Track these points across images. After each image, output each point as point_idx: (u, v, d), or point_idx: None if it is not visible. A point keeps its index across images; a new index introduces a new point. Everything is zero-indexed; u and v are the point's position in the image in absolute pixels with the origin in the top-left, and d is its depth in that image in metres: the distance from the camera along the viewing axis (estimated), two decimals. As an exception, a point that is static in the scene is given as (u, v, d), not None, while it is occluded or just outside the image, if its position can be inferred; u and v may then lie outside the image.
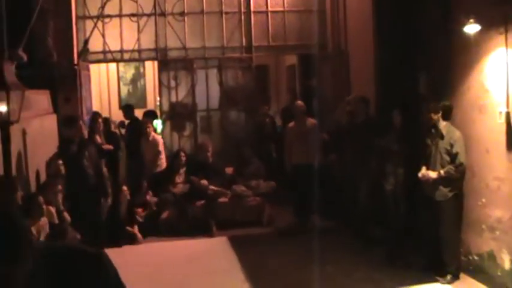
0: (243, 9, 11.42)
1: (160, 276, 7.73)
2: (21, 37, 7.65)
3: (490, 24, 6.83)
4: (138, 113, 12.27)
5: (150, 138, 10.76)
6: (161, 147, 10.88)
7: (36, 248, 2.14)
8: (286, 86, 14.69)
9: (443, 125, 7.32)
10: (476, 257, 7.38)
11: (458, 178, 7.30)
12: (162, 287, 7.59)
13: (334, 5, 11.39)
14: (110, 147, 10.32)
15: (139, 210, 9.97)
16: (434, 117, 7.37)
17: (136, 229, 9.66)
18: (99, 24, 10.74)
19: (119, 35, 10.98)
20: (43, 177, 8.31)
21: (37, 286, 2.14)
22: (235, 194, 10.46)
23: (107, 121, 11.47)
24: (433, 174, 7.32)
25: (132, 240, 9.43)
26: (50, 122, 9.40)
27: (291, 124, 9.76)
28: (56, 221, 7.27)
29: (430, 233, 7.59)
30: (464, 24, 7.03)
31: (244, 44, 11.46)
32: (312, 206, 9.45)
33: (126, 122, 11.99)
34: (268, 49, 11.72)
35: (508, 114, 6.63)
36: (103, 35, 10.85)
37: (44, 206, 6.70)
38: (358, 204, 9.32)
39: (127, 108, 11.98)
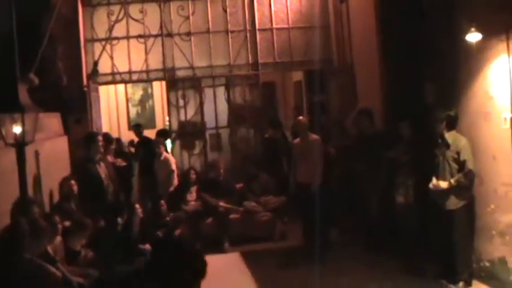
0: (248, 27, 11.56)
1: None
2: (33, 62, 7.81)
3: (491, 32, 6.94)
4: (148, 134, 12.44)
5: (162, 157, 10.90)
6: (174, 166, 11.01)
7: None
8: (293, 102, 14.80)
9: (448, 134, 7.39)
10: (487, 263, 7.43)
11: (468, 186, 7.35)
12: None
13: (338, 20, 11.53)
14: (124, 163, 10.50)
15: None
16: (439, 127, 7.45)
17: (148, 247, 9.74)
18: (107, 46, 10.91)
19: (126, 56, 11.14)
20: (56, 197, 8.41)
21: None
22: (246, 210, 10.54)
23: (118, 141, 11.65)
24: (443, 184, 7.35)
25: (145, 258, 9.50)
26: (62, 144, 9.51)
27: (296, 140, 9.71)
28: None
29: (442, 241, 7.63)
30: (466, 33, 7.14)
31: (250, 61, 11.59)
32: (319, 224, 9.42)
33: (136, 141, 12.16)
34: (274, 66, 11.83)
35: (512, 119, 6.73)
36: (111, 57, 11.01)
37: (60, 226, 6.79)
38: (370, 216, 9.39)
39: (137, 127, 12.18)
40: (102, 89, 12.00)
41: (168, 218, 10.31)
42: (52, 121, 9.29)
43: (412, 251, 8.32)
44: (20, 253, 5.37)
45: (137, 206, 9.80)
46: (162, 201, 10.48)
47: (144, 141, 11.89)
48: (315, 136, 9.47)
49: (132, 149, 11.87)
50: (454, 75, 7.93)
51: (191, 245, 2.79)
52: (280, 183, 11.09)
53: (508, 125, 6.79)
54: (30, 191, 7.09)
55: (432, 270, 7.80)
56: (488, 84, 7.20)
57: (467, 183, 7.31)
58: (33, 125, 6.30)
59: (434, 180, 7.51)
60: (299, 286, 8.09)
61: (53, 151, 8.78)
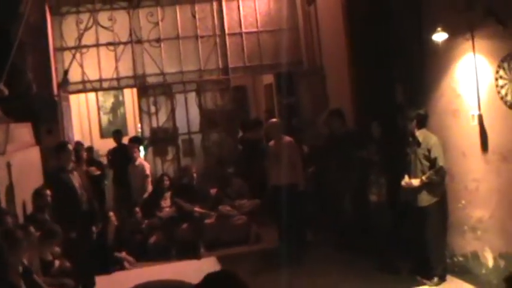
0: (217, 32, 11.59)
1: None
2: (1, 72, 7.75)
3: (457, 31, 7.06)
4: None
5: (137, 163, 10.90)
6: (148, 171, 11.01)
7: None
8: (264, 105, 14.85)
9: (419, 132, 7.49)
10: (460, 258, 7.55)
11: (439, 182, 7.47)
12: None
13: (306, 22, 11.60)
14: (98, 171, 10.48)
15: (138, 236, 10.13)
16: (410, 126, 7.55)
17: (124, 255, 9.75)
18: (77, 54, 10.87)
19: (97, 64, 11.09)
20: (29, 208, 8.35)
21: None
22: (220, 214, 10.57)
23: (90, 150, 11.61)
24: (415, 182, 7.45)
25: (121, 266, 9.50)
26: (33, 154, 9.45)
27: (271, 143, 9.63)
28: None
29: (415, 238, 7.73)
30: (433, 33, 7.26)
31: (220, 66, 11.62)
32: (295, 226, 9.46)
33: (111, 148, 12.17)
34: (244, 70, 11.89)
35: (480, 116, 6.85)
36: (81, 65, 10.97)
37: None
38: (342, 216, 9.48)
39: (117, 134, 12.18)
40: (73, 98, 11.95)
41: (143, 225, 10.32)
42: (23, 131, 9.23)
43: (386, 249, 8.41)
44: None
45: (111, 214, 9.83)
46: (137, 209, 10.48)
47: (120, 148, 11.85)
48: (288, 138, 9.43)
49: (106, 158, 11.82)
50: (422, 74, 8.05)
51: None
52: (255, 185, 11.15)
53: (475, 122, 6.92)
54: (3, 202, 7.05)
55: (406, 267, 7.90)
56: (456, 83, 7.33)
57: (439, 180, 7.42)
58: (4, 136, 6.29)
59: (406, 178, 7.60)
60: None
61: (25, 162, 8.73)
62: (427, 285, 7.44)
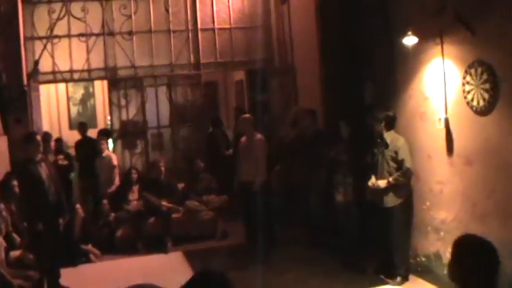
0: (190, 27, 11.57)
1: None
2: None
3: (427, 35, 7.18)
4: (90, 133, 12.36)
5: (104, 154, 10.86)
6: (115, 162, 10.99)
7: None
8: (235, 102, 14.89)
9: (387, 134, 7.57)
10: (423, 258, 7.68)
11: (406, 184, 7.58)
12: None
13: (279, 21, 11.66)
14: (65, 161, 10.45)
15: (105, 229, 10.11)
16: (378, 127, 7.65)
17: (90, 247, 9.73)
18: (48, 45, 10.77)
19: (68, 55, 10.99)
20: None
21: None
22: (188, 209, 10.59)
23: (59, 141, 11.54)
24: (382, 183, 7.53)
25: (87, 258, 9.47)
26: (1, 144, 9.37)
27: (242, 139, 9.55)
28: (4, 244, 7.26)
29: (380, 238, 7.85)
30: (403, 36, 7.36)
31: (192, 61, 11.60)
32: (261, 222, 9.51)
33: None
34: (216, 65, 11.89)
35: (447, 120, 6.97)
36: (52, 56, 10.86)
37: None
38: (309, 215, 9.56)
39: (82, 126, 12.12)
40: (43, 88, 11.83)
41: (110, 218, 10.29)
42: (-10, 121, 9.17)
43: (352, 248, 8.51)
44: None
45: (78, 206, 9.79)
46: (105, 201, 10.45)
47: (86, 140, 11.80)
48: (259, 135, 9.38)
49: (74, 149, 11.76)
50: (392, 76, 8.16)
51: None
52: (222, 181, 11.18)
53: (442, 125, 7.04)
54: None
55: (371, 266, 8.01)
56: (424, 86, 7.45)
57: (405, 182, 7.53)
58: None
59: (373, 179, 7.68)
60: (240, 283, 8.15)
61: (-8, 151, 8.67)
62: (390, 285, 7.56)
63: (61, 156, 10.55)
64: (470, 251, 3.11)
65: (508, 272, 6.12)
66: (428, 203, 7.54)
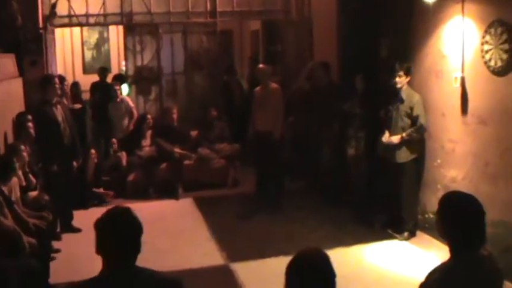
0: (208, -26, 11.48)
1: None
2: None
3: (448, -7, 7.12)
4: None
5: (119, 99, 10.90)
6: (131, 106, 11.07)
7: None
8: (250, 51, 14.84)
9: (404, 88, 7.59)
10: (431, 215, 7.75)
11: (419, 140, 7.65)
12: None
13: (298, -28, 11.54)
14: (80, 106, 10.52)
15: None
16: (404, 79, 7.59)
17: (102, 190, 9.88)
18: (65, -12, 10.70)
19: (84, -1, 10.96)
20: (10, 139, 8.37)
21: None
22: (200, 156, 10.70)
23: (75, 85, 11.58)
24: (395, 139, 7.60)
25: (99, 202, 9.62)
26: (16, 86, 9.41)
27: (257, 89, 9.57)
28: (23, 182, 7.36)
29: (390, 193, 7.94)
30: (424, -8, 7.30)
31: (208, 9, 11.51)
32: (274, 172, 9.62)
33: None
34: (232, 14, 11.77)
35: (463, 79, 6.96)
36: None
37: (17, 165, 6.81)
38: (321, 167, 9.64)
39: (103, 71, 12.17)
40: (57, 32, 11.79)
41: (120, 159, 10.37)
42: (6, 62, 9.18)
43: (361, 201, 8.61)
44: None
45: (92, 151, 9.90)
46: (114, 140, 10.51)
47: (102, 85, 11.85)
48: (274, 85, 9.39)
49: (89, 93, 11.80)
50: (409, 32, 8.11)
51: None
52: (235, 130, 11.26)
53: (458, 84, 7.03)
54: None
55: (379, 220, 8.13)
56: (442, 44, 7.40)
57: (419, 138, 7.59)
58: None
59: (386, 134, 7.74)
60: (249, 231, 8.33)
61: (7, 93, 8.71)
62: (397, 239, 7.68)
63: (76, 104, 10.58)
64: (453, 206, 3.22)
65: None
66: (439, 161, 7.58)
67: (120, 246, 2.92)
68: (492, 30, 6.44)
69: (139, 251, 2.99)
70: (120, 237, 2.94)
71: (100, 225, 2.95)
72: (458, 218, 3.15)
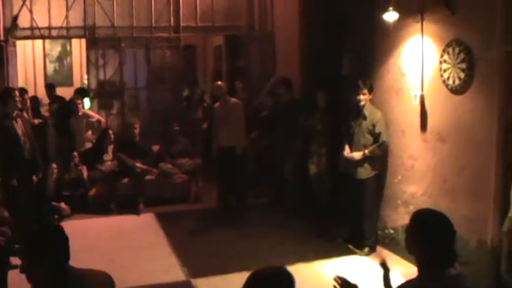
0: (171, -10, 11.49)
1: (88, 251, 7.67)
2: None
3: (408, 12, 7.25)
4: (66, 91, 12.29)
5: (80, 113, 10.80)
6: (96, 117, 11.02)
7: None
8: (213, 66, 14.88)
9: (366, 105, 7.66)
10: (391, 231, 7.86)
11: (380, 156, 7.74)
12: (90, 262, 7.70)
13: (261, -13, 11.62)
14: (40, 120, 10.42)
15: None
16: (367, 96, 7.65)
17: (63, 205, 9.77)
18: (27, 0, 10.62)
19: (47, 11, 10.83)
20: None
21: None
22: (162, 171, 10.65)
23: (35, 99, 11.46)
24: (357, 155, 7.68)
25: (59, 216, 9.52)
26: (-24, 99, 9.30)
27: (217, 105, 9.78)
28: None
29: (351, 209, 8.00)
30: (385, 11, 7.42)
31: (172, 24, 11.54)
32: (237, 187, 9.72)
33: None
34: (196, 30, 11.81)
35: (422, 97, 7.10)
36: (31, 11, 10.70)
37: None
38: (284, 182, 9.69)
39: (50, 88, 12.07)
40: (19, 44, 11.67)
41: (80, 172, 10.26)
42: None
43: (323, 217, 8.67)
44: None
45: (54, 165, 9.80)
46: (75, 153, 10.41)
47: (58, 101, 11.77)
48: (234, 100, 9.63)
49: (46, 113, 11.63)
50: (371, 49, 8.24)
51: None
52: (196, 145, 11.27)
53: (417, 102, 7.16)
54: None
55: (341, 236, 8.19)
56: (402, 62, 7.55)
57: (381, 154, 7.69)
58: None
59: (347, 150, 7.82)
60: (211, 246, 8.33)
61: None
62: (358, 255, 7.75)
63: (36, 120, 10.46)
64: (423, 224, 3.18)
65: (472, 245, 6.34)
66: (399, 177, 7.69)
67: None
68: (450, 49, 6.59)
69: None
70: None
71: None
72: (427, 236, 3.12)
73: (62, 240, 3.01)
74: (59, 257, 2.99)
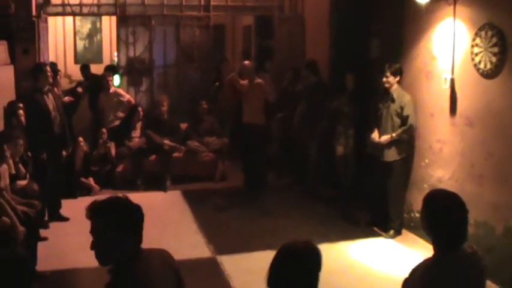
0: (203, -32, 11.50)
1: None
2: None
3: (440, -6, 7.18)
4: (95, 68, 12.38)
5: (111, 90, 10.88)
6: (127, 96, 11.11)
7: None
8: (241, 46, 14.86)
9: (394, 88, 7.66)
10: (417, 214, 7.82)
11: (408, 140, 7.72)
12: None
13: (292, -32, 11.57)
14: (71, 99, 10.52)
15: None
16: (392, 80, 7.63)
17: (91, 181, 9.88)
18: (59, -24, 10.69)
19: (78, -12, 10.94)
20: (0, 127, 8.36)
21: None
22: (189, 149, 10.72)
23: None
24: (385, 138, 7.66)
25: (88, 191, 9.65)
26: (7, 73, 9.38)
27: (243, 82, 9.87)
28: (13, 171, 7.36)
29: (377, 191, 8.00)
30: (416, -7, 7.36)
31: (202, 3, 11.56)
32: (261, 165, 9.80)
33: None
34: (225, 9, 11.82)
35: (452, 80, 7.03)
36: (63, -12, 10.80)
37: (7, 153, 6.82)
38: (308, 163, 9.71)
39: (84, 68, 12.17)
40: (50, 21, 11.76)
41: (109, 148, 10.36)
42: (-2, 49, 9.18)
43: (348, 199, 8.69)
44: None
45: (81, 139, 9.90)
46: (104, 129, 10.51)
47: (92, 79, 11.86)
48: (259, 80, 9.76)
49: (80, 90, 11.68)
50: (400, 32, 8.17)
51: None
52: (224, 124, 11.33)
53: (447, 85, 7.11)
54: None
55: (365, 218, 8.20)
56: (433, 45, 7.47)
57: (408, 138, 7.66)
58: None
59: (375, 133, 7.81)
60: (235, 224, 8.41)
61: (-1, 80, 8.72)
62: (383, 237, 7.76)
63: (66, 98, 10.55)
64: (436, 204, 3.27)
65: (498, 232, 6.31)
66: (427, 160, 7.66)
67: None
68: (482, 33, 6.51)
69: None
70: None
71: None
72: (441, 216, 3.21)
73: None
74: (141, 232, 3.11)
